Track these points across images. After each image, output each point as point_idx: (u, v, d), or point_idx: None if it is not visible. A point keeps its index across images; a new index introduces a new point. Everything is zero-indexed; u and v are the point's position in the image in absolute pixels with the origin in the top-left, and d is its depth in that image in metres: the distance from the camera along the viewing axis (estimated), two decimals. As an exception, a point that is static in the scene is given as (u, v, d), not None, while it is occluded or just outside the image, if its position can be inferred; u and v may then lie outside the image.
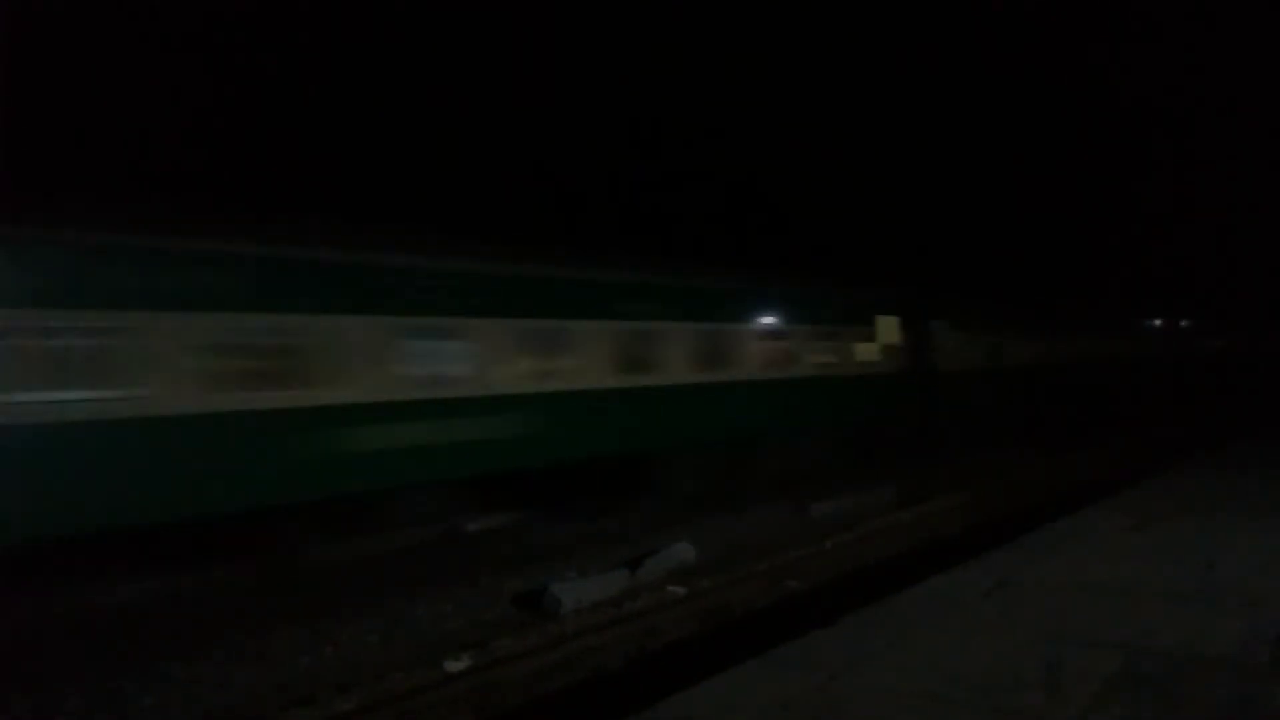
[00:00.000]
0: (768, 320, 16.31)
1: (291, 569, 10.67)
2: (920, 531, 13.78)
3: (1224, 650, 5.86)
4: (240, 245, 9.52)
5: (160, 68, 21.81)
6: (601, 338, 13.02)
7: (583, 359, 12.73)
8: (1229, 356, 46.56)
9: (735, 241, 30.09)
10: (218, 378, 9.15)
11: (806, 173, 32.83)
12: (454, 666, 8.29)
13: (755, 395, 15.78)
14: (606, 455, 13.23)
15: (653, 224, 28.37)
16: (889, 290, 20.55)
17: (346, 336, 10.12)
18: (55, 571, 8.59)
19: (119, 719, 7.36)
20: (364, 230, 11.56)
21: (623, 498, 14.28)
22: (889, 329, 19.58)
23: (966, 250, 36.35)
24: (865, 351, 18.78)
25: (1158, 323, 38.88)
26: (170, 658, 8.35)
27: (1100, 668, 5.63)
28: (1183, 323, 41.03)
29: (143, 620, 9.15)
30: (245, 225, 10.15)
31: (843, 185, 34.27)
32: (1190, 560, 8.16)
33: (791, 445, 17.03)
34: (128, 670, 8.07)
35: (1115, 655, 5.82)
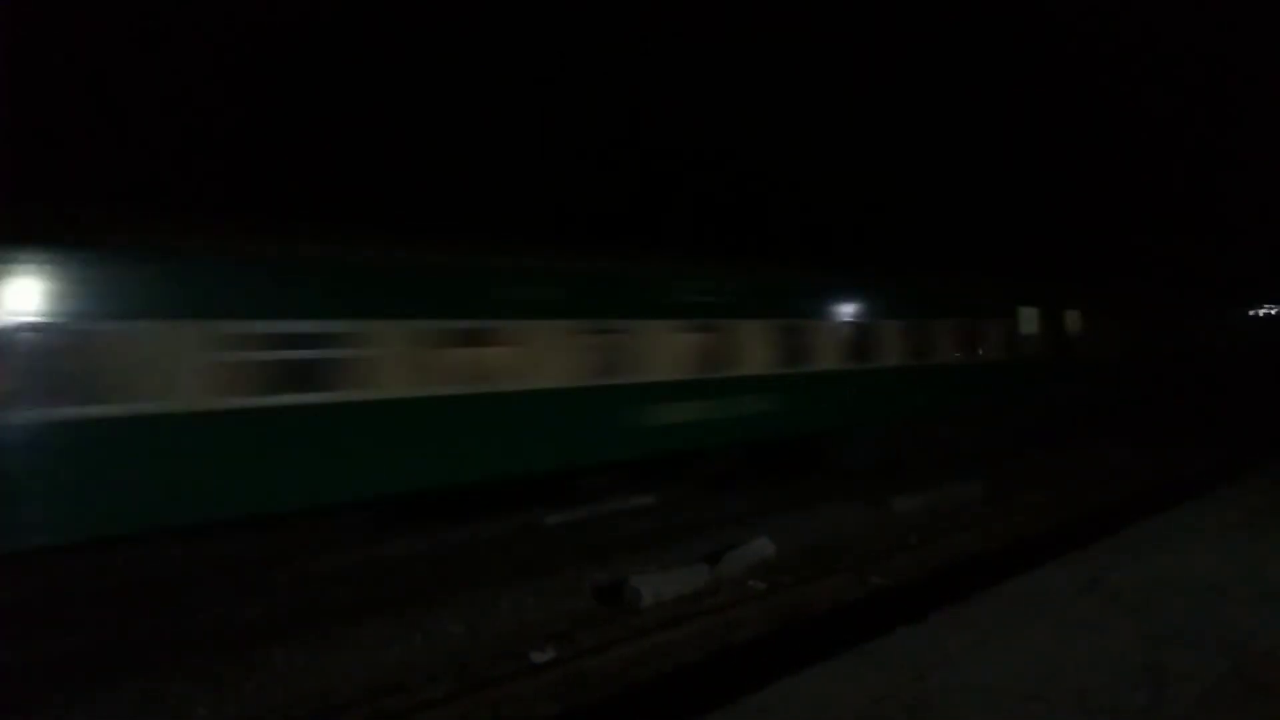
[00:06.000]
0: (954, 313, 18.63)
1: (379, 559, 11.04)
2: (1010, 527, 13.41)
3: (1342, 654, 5.57)
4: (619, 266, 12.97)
5: (157, 68, 21.97)
6: (834, 332, 15.77)
7: (822, 347, 15.48)
8: None
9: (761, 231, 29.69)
10: (589, 363, 11.98)
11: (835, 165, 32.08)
12: (539, 657, 8.43)
13: (936, 378, 17.92)
14: (831, 430, 15.78)
15: (642, 218, 27.91)
16: (1028, 282, 22.07)
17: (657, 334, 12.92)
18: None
19: (222, 702, 7.68)
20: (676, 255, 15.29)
21: (804, 471, 16.11)
22: (1030, 319, 20.84)
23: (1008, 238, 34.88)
24: (1015, 339, 20.39)
25: (1247, 310, 36.80)
26: (268, 644, 8.69)
27: (1205, 670, 5.41)
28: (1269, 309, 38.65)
29: (240, 609, 9.57)
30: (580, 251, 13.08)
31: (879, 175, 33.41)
32: (1302, 559, 7.77)
33: (939, 425, 18.47)
34: (228, 656, 8.43)
35: (1220, 657, 5.59)
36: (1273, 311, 38.58)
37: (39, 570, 8.49)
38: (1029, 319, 20.84)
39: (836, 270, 17.28)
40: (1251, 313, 36.79)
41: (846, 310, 16.07)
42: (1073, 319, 22.44)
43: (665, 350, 12.90)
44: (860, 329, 16.17)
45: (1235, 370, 32.91)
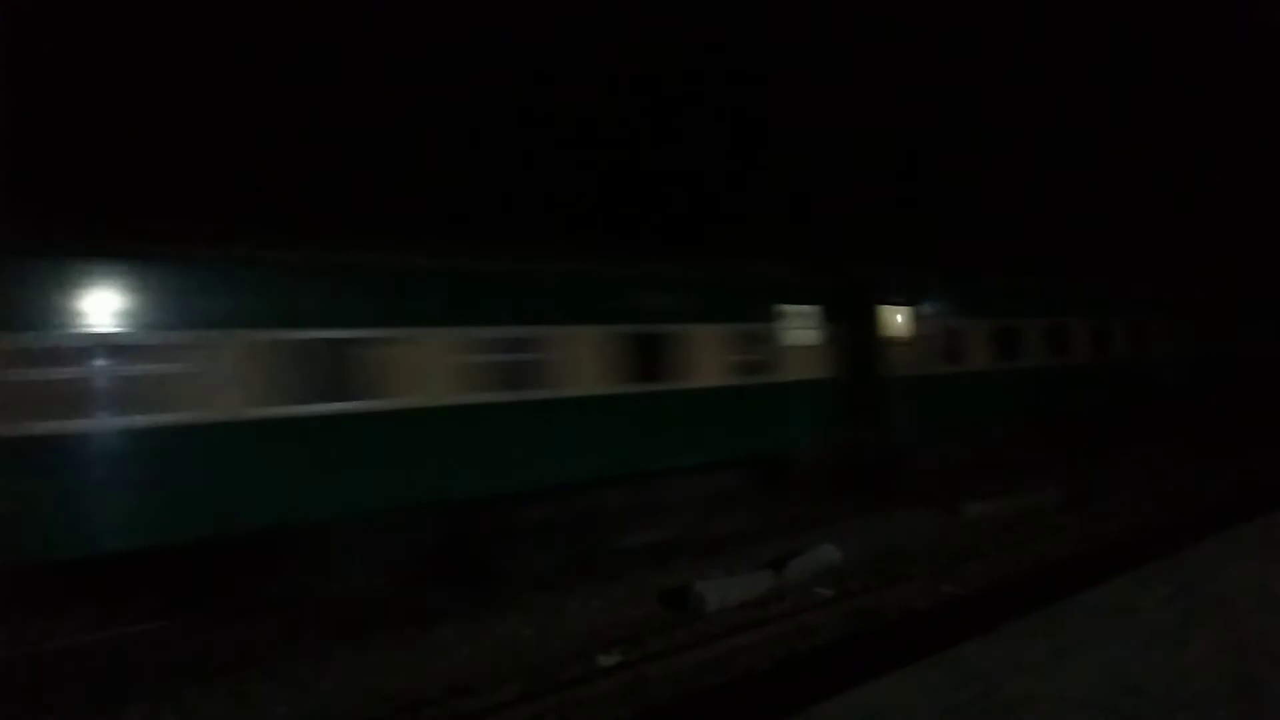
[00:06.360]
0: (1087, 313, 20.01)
1: (451, 563, 11.22)
2: (1088, 535, 13.02)
3: None
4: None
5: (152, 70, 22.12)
6: (1034, 330, 18.27)
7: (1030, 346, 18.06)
8: None
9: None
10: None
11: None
12: (606, 662, 8.48)
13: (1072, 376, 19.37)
14: (1015, 416, 17.91)
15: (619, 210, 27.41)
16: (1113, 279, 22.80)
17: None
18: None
19: (301, 701, 7.90)
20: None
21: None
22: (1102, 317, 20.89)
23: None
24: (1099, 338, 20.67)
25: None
26: (344, 646, 8.92)
27: (1302, 685, 5.18)
28: None
29: (319, 610, 9.83)
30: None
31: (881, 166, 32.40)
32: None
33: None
34: (308, 656, 8.68)
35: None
36: None
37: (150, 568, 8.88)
38: (1104, 317, 20.66)
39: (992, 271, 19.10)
40: None
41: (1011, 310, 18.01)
42: (1145, 318, 22.09)
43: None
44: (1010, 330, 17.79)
45: None
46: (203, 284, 8.67)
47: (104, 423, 8.02)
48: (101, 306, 8.10)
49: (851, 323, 15.10)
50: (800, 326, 14.14)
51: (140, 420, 8.19)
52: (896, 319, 15.59)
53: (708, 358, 12.74)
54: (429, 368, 10.01)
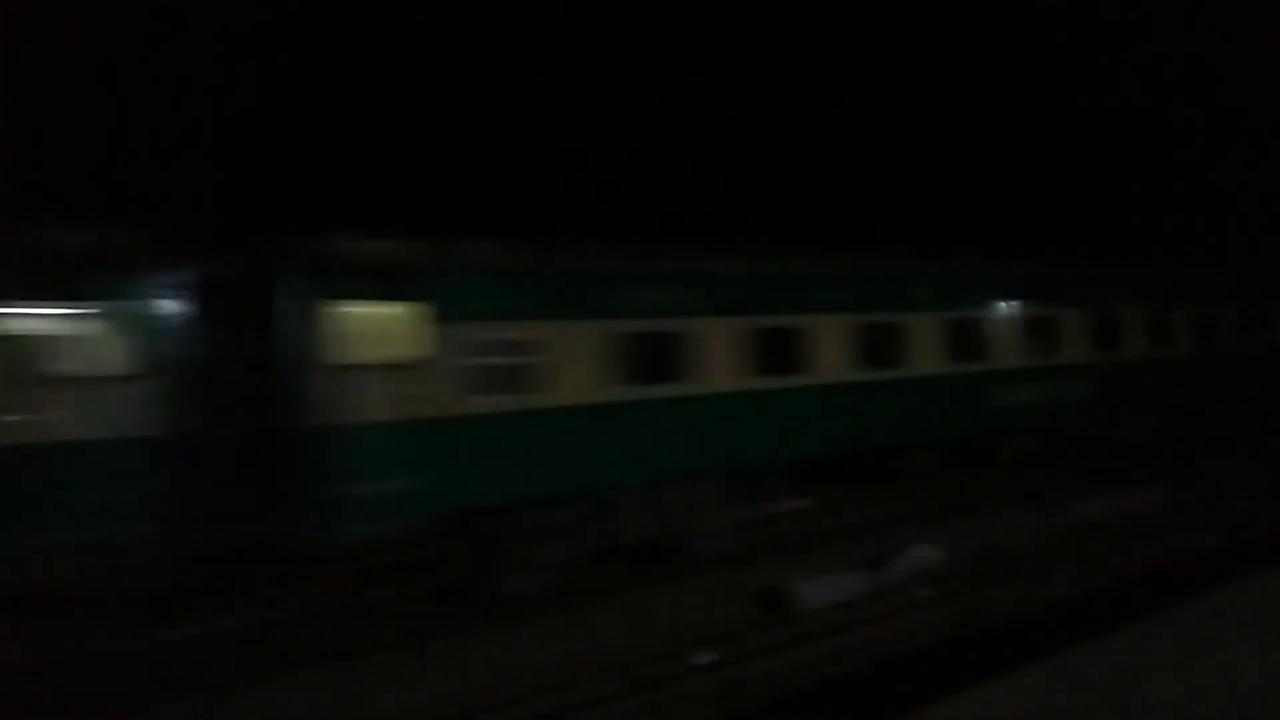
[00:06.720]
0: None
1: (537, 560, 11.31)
2: (1202, 535, 12.32)
3: None
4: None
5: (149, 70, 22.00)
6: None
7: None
8: None
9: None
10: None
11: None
12: (701, 659, 8.41)
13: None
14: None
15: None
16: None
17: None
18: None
19: (407, 691, 8.09)
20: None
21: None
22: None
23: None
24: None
25: None
26: (443, 638, 9.09)
27: None
28: None
29: (416, 605, 10.06)
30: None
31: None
32: None
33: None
34: (411, 648, 8.88)
35: None
36: None
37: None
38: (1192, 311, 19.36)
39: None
40: None
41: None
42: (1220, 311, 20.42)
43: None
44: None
45: None
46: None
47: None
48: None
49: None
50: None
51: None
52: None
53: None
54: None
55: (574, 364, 10.26)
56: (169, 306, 8.37)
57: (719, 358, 11.45)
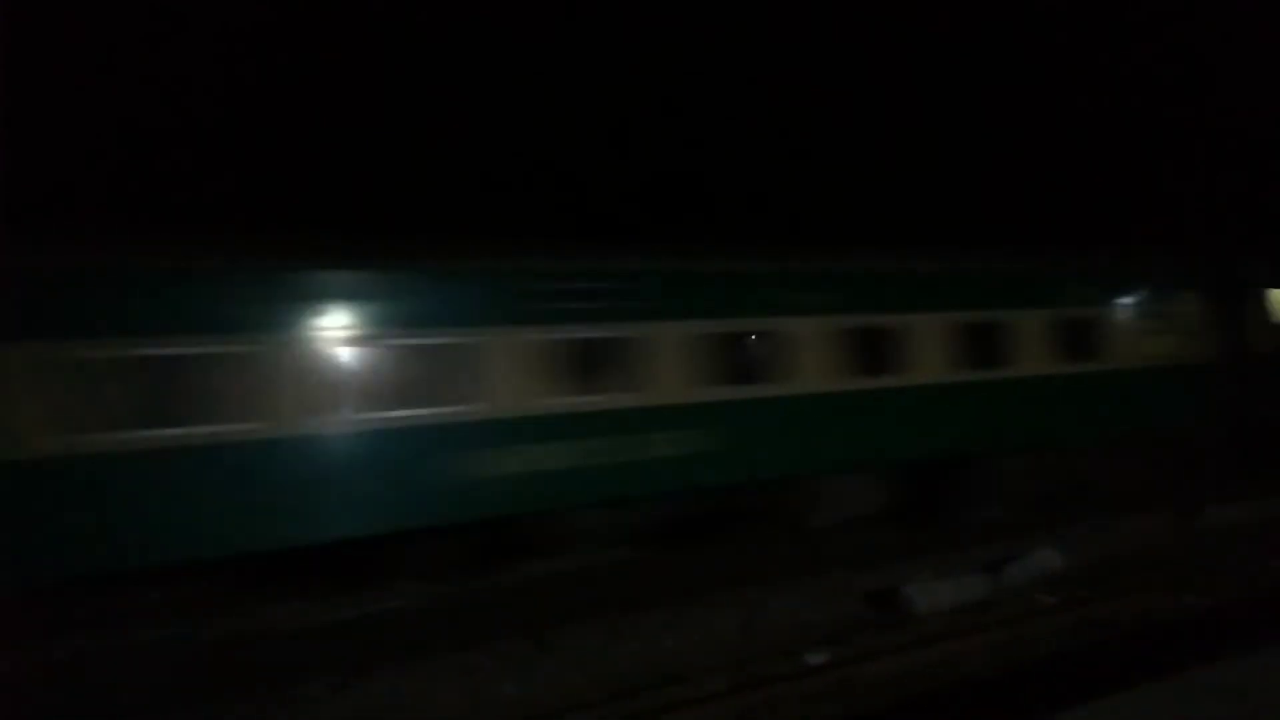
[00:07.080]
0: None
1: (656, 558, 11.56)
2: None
3: None
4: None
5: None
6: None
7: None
8: None
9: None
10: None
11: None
12: (815, 659, 8.45)
13: None
14: None
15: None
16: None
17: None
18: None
19: (527, 681, 8.42)
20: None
21: None
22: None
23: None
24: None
25: None
26: (563, 630, 9.40)
27: None
28: None
29: (539, 595, 10.43)
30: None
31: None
32: None
33: None
34: (530, 639, 9.23)
35: None
36: None
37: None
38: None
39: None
40: None
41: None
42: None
43: None
44: None
45: None
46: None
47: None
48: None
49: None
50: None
51: None
52: None
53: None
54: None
55: None
56: (1205, 297, 14.94)
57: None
